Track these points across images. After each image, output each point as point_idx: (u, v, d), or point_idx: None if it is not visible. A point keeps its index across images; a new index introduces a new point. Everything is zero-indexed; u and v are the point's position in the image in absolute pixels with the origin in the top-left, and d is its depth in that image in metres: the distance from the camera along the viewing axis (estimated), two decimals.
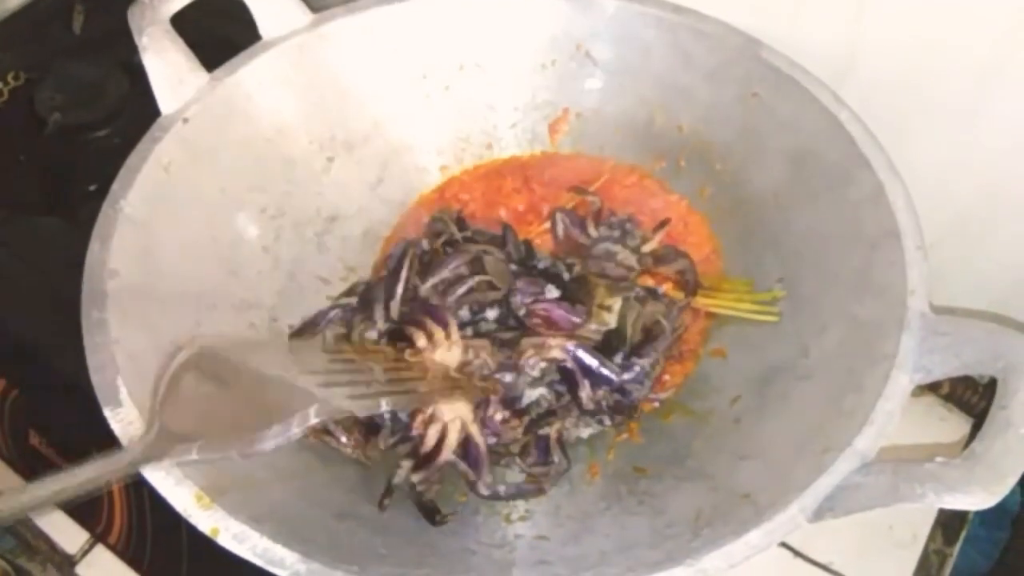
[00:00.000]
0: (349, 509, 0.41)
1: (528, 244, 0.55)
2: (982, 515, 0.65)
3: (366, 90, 0.59)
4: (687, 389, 0.50)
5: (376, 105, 0.60)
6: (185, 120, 0.51)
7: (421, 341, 0.47)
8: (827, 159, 0.51)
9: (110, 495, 0.58)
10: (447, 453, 0.45)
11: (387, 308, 0.50)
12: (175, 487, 0.37)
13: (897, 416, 0.38)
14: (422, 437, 0.45)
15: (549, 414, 0.47)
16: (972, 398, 0.64)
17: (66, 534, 0.60)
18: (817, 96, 0.52)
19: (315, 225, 0.57)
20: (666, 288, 0.53)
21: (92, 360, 0.41)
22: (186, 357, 0.40)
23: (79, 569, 0.60)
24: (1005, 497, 0.68)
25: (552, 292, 0.50)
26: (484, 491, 0.44)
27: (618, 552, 0.38)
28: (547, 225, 0.58)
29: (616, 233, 0.56)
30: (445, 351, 0.46)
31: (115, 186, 0.48)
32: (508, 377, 0.47)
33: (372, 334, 0.49)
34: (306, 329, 0.52)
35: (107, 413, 0.39)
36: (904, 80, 0.53)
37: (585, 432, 0.49)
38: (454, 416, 0.45)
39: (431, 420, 0.45)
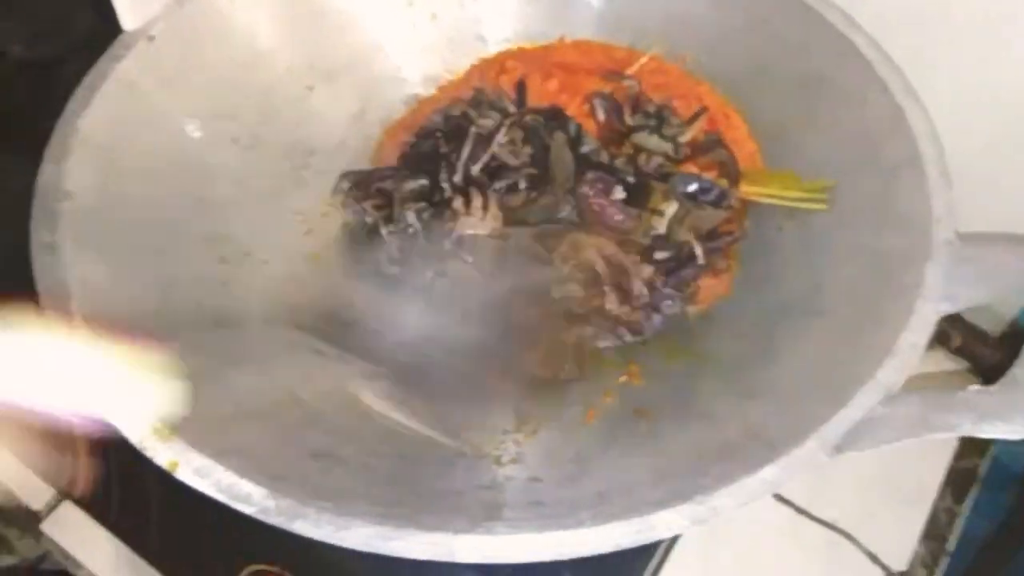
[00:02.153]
0: (326, 449, 0.37)
1: (579, 128, 0.52)
2: (986, 477, 0.62)
3: (348, 15, 0.55)
4: (689, 331, 0.47)
5: (358, 32, 0.56)
6: (150, 38, 0.47)
7: (458, 203, 0.46)
8: (842, 85, 0.48)
9: (75, 450, 0.55)
10: None
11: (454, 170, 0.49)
12: (131, 418, 0.33)
13: (922, 348, 0.35)
14: None
15: (573, 317, 0.46)
16: (984, 351, 0.61)
17: (31, 491, 0.57)
18: (830, 20, 0.49)
19: (292, 158, 0.53)
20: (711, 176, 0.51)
21: (41, 283, 0.37)
22: None
23: (44, 526, 0.56)
24: (1010, 458, 0.66)
25: (619, 193, 0.48)
26: None
27: (618, 493, 0.34)
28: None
29: (652, 122, 0.53)
30: (479, 220, 0.46)
31: (71, 105, 0.44)
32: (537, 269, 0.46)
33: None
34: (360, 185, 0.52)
35: None
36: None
37: (603, 343, 0.46)
38: None
39: None
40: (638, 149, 0.51)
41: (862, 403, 0.34)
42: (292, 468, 0.35)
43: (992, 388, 0.31)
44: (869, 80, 0.46)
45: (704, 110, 0.53)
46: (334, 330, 0.46)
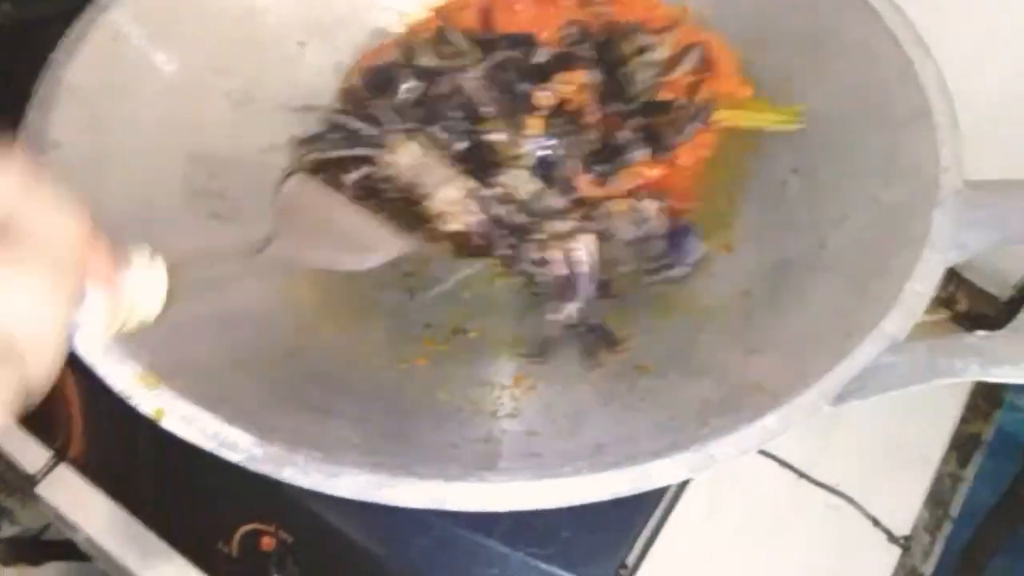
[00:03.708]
0: (322, 402, 0.37)
1: (529, 38, 0.51)
2: (991, 445, 0.61)
3: None
4: (690, 289, 0.46)
5: None
6: None
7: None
8: (849, 37, 0.46)
9: (68, 409, 0.54)
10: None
11: None
12: (116, 365, 0.32)
13: (928, 297, 0.34)
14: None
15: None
16: (990, 314, 0.60)
17: (27, 454, 0.56)
18: None
19: (287, 114, 0.52)
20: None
21: None
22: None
23: (39, 489, 0.56)
24: (1015, 427, 0.65)
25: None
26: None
27: (617, 444, 0.34)
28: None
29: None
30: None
31: (57, 54, 0.43)
32: None
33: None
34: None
35: None
36: None
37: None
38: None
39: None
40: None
41: (866, 352, 0.33)
42: (285, 419, 0.34)
43: (999, 333, 0.30)
44: (878, 31, 0.45)
45: (674, 24, 0.53)
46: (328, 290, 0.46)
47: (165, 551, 0.52)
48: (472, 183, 0.44)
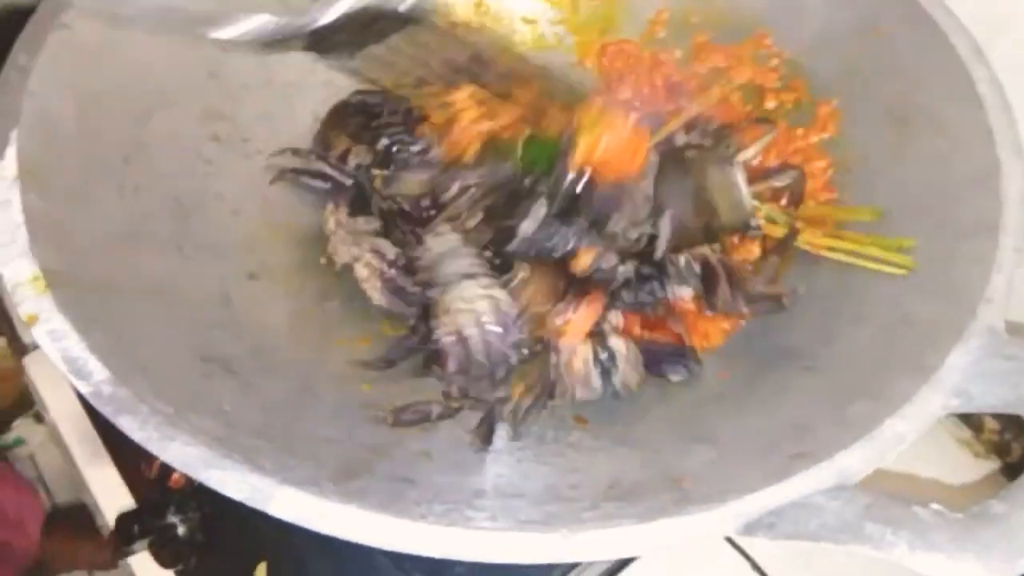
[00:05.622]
0: (222, 355, 0.34)
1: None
2: None
3: None
4: None
5: None
6: None
7: None
8: (942, 121, 0.40)
9: None
10: None
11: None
12: (17, 259, 0.31)
13: (907, 443, 0.29)
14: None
15: None
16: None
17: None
18: (953, 43, 0.41)
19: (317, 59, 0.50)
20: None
21: None
22: None
23: (27, 361, 0.57)
24: None
25: None
26: None
27: (494, 497, 0.30)
28: None
29: (708, 141, 0.45)
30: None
31: None
32: None
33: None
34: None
35: None
36: None
37: None
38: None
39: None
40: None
41: (805, 484, 0.27)
42: (166, 363, 0.32)
43: (956, 514, 0.24)
44: (975, 122, 0.38)
45: (771, 123, 0.46)
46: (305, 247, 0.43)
47: (103, 456, 0.52)
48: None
